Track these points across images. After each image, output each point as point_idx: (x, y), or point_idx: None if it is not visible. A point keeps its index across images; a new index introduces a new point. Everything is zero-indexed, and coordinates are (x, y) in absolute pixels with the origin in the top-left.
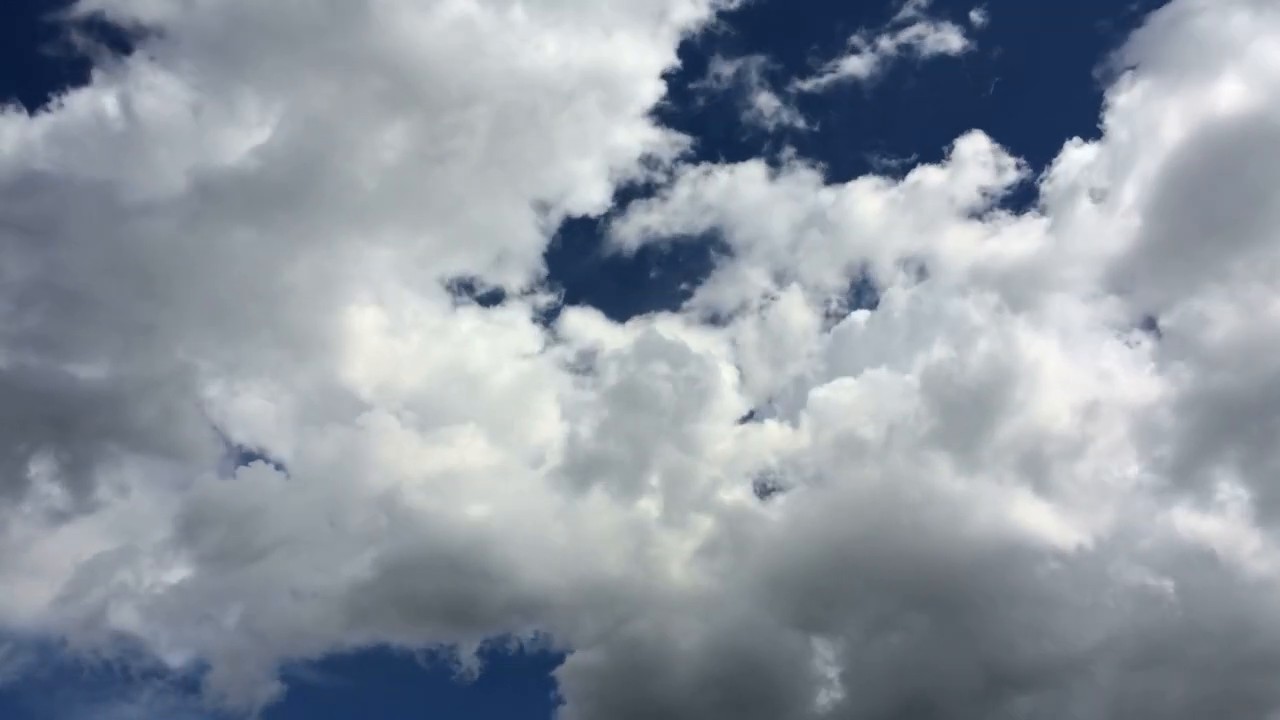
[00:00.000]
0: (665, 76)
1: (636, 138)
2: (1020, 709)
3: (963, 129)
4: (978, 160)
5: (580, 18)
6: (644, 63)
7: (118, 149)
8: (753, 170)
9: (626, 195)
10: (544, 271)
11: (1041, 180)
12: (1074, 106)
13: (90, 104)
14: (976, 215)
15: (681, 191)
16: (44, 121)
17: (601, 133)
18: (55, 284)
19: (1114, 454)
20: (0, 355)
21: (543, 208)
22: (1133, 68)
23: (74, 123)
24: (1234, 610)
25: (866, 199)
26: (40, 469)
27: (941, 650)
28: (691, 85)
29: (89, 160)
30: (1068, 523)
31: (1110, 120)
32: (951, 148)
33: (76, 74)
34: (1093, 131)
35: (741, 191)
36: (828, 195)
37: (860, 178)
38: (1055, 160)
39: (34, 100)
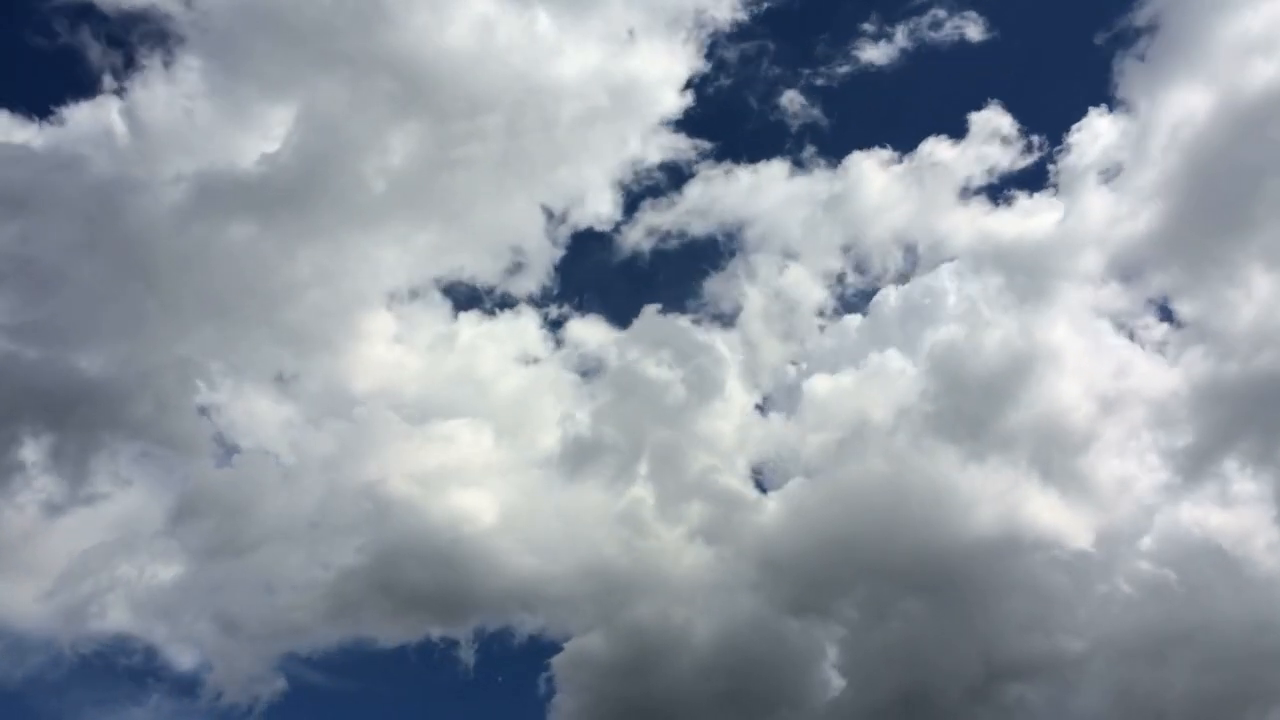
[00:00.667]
0: (686, 78)
1: (655, 143)
2: (1024, 699)
3: (980, 107)
4: (992, 140)
5: (603, 21)
6: (665, 66)
7: (126, 148)
8: (770, 168)
9: (640, 200)
10: (554, 277)
11: (1056, 157)
12: (1091, 81)
13: (99, 101)
14: (991, 196)
15: (695, 193)
16: (54, 120)
17: (619, 138)
18: (57, 273)
19: (1124, 444)
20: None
21: (556, 213)
22: (1150, 34)
23: (83, 121)
24: (1246, 604)
25: (878, 184)
26: (37, 459)
27: (945, 640)
28: (710, 86)
29: (97, 158)
30: (1076, 513)
31: (1129, 95)
32: (967, 124)
33: (85, 73)
34: (1111, 108)
35: (755, 190)
36: (841, 183)
37: (870, 164)
38: (1070, 140)
39: (42, 101)
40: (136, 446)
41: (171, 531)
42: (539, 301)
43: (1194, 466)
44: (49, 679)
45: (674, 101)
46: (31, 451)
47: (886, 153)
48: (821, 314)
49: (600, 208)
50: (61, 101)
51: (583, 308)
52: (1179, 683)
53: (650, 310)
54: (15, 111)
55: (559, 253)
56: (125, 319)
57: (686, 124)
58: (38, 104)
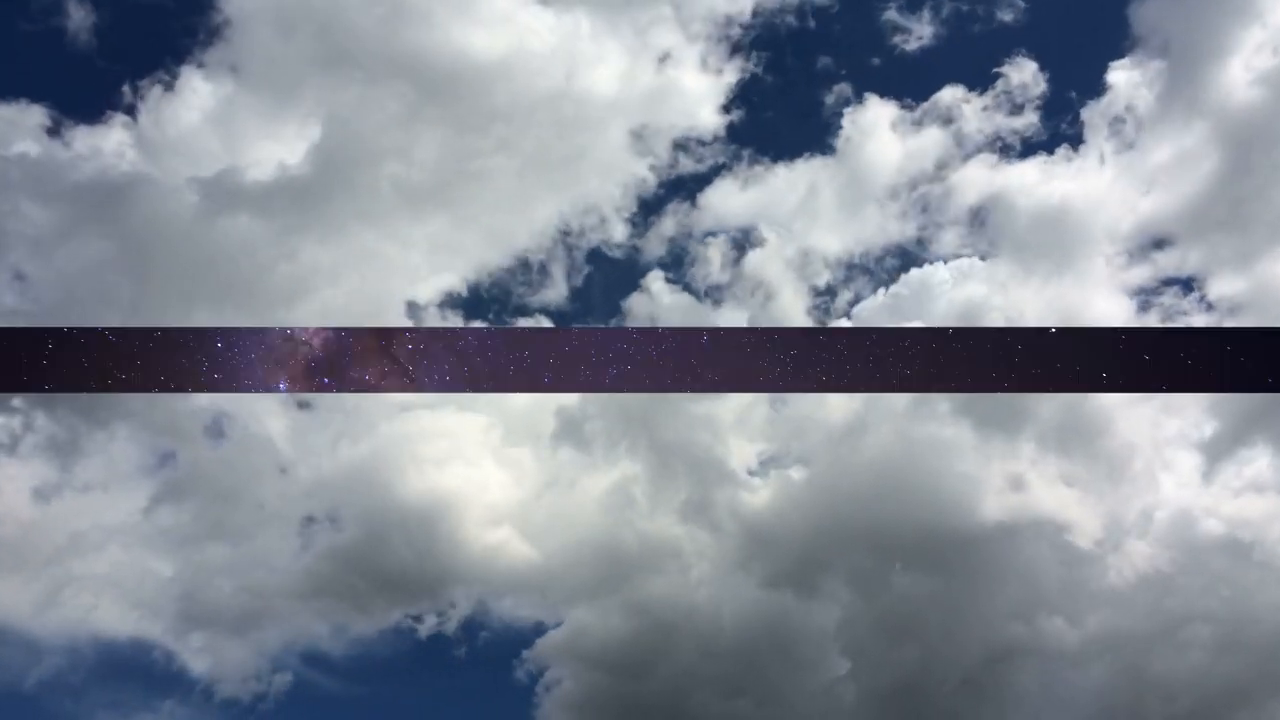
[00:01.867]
0: (717, 84)
1: (684, 149)
2: (1031, 686)
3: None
4: (1017, 95)
5: (633, 28)
6: (699, 75)
7: (140, 146)
8: (810, 164)
9: (662, 205)
10: (569, 286)
11: (1083, 115)
12: (1119, 30)
13: (113, 99)
14: (1016, 156)
15: (716, 195)
16: (66, 118)
17: (645, 145)
18: (59, 261)
19: (1142, 427)
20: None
21: (574, 225)
22: None
23: (96, 120)
24: (1263, 593)
25: (893, 151)
26: (33, 443)
27: (948, 625)
28: (742, 89)
29: (110, 157)
30: (1089, 499)
31: (1161, 42)
32: (992, 76)
33: (101, 71)
34: (1143, 58)
35: (779, 185)
36: (853, 141)
37: (884, 122)
38: (1098, 96)
39: (55, 99)
40: (136, 433)
41: (166, 520)
42: (551, 311)
43: (1215, 451)
44: (55, 682)
45: (704, 106)
46: (27, 437)
47: (905, 113)
48: (832, 286)
49: (618, 219)
50: (74, 100)
51: (601, 313)
52: (1191, 671)
53: (654, 277)
54: (27, 111)
55: (575, 262)
56: (126, 308)
57: (717, 128)
58: (50, 102)
